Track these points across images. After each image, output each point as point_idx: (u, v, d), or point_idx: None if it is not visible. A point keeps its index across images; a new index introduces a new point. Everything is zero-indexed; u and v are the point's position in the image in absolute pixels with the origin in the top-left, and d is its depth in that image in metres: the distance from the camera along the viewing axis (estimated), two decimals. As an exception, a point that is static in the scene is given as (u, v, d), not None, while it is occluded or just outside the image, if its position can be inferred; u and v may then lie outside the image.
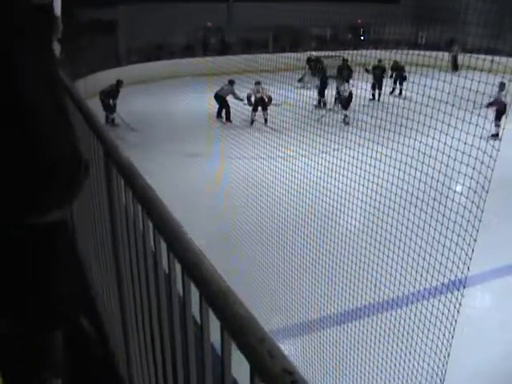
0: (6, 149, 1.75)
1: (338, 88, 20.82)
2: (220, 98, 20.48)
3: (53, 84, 1.89)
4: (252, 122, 20.05)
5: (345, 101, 19.87)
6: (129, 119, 19.58)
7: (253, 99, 20.34)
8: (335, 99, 20.19)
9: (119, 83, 19.82)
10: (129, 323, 2.34)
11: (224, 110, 20.64)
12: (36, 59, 1.79)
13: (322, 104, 22.20)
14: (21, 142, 1.76)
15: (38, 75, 1.79)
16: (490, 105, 15.65)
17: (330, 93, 20.64)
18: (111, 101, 19.55)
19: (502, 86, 16.77)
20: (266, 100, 20.10)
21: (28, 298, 1.95)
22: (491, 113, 16.24)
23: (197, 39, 34.83)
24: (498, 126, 16.77)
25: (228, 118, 20.59)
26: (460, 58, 26.35)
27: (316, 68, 26.36)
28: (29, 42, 1.76)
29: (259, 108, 20.19)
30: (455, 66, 26.71)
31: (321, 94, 22.86)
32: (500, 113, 17.35)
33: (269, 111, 19.73)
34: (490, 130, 13.39)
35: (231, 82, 20.47)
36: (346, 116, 18.99)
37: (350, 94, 19.86)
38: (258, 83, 19.84)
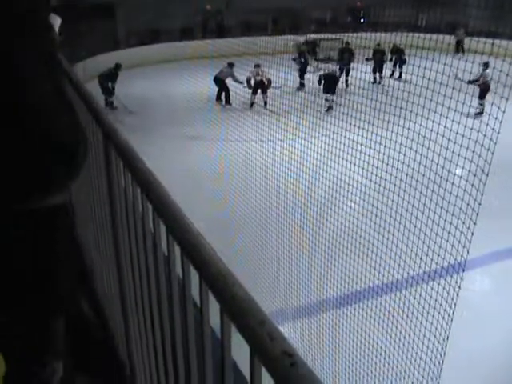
0: (5, 133, 1.75)
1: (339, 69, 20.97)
2: (219, 81, 20.42)
3: (52, 67, 1.88)
4: (252, 104, 20.03)
5: (327, 83, 19.52)
6: (127, 102, 19.57)
7: (252, 82, 20.30)
8: (318, 81, 20.05)
9: (118, 66, 19.77)
10: (128, 306, 2.34)
11: (223, 93, 20.61)
12: (35, 43, 1.78)
13: (301, 86, 22.03)
14: (20, 125, 1.76)
15: (38, 58, 1.79)
16: (471, 82, 16.02)
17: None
18: (110, 84, 19.51)
19: (485, 65, 17.34)
20: (266, 83, 20.05)
21: (28, 285, 1.96)
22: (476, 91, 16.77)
23: (196, 22, 34.69)
24: (481, 104, 17.30)
25: (228, 101, 20.56)
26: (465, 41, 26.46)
27: (313, 51, 26.36)
28: (28, 25, 1.75)
29: (259, 91, 20.15)
30: (460, 50, 26.80)
31: (301, 76, 22.77)
32: (484, 92, 17.62)
33: (268, 94, 19.71)
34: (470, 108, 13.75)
35: (231, 65, 20.41)
36: (326, 100, 18.86)
37: (332, 76, 19.62)
38: (257, 66, 19.80)
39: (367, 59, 21.88)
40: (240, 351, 1.23)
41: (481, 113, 16.53)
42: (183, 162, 13.63)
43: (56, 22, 2.82)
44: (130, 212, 2.00)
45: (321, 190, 10.62)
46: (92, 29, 24.32)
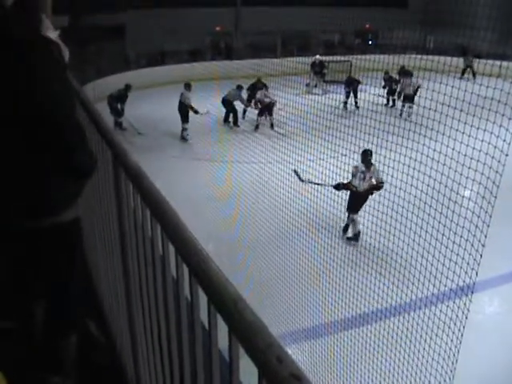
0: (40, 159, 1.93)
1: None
2: (227, 103, 20.41)
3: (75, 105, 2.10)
4: (257, 126, 20.06)
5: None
6: (136, 123, 19.61)
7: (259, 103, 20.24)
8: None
9: (128, 87, 19.77)
10: (136, 328, 2.33)
11: (231, 115, 20.58)
12: (68, 87, 2.01)
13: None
14: (51, 151, 1.94)
15: (71, 100, 2.01)
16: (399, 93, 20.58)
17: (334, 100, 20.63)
18: (119, 105, 19.50)
19: (404, 72, 21.33)
20: (272, 104, 19.93)
21: (39, 297, 2.00)
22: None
23: (205, 44, 34.88)
24: (411, 107, 19.50)
25: (235, 123, 20.53)
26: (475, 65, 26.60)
27: (321, 72, 26.43)
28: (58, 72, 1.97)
29: (266, 113, 20.10)
30: (468, 74, 26.89)
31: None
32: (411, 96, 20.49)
33: (274, 115, 19.63)
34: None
35: (239, 87, 20.41)
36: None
37: (181, 103, 19.26)
38: (261, 87, 19.94)
39: (384, 87, 22.22)
40: (248, 374, 1.22)
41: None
42: (191, 182, 13.64)
43: (65, 53, 2.91)
44: (139, 233, 2.00)
45: (329, 213, 10.62)
46: (102, 50, 24.45)
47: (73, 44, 3.33)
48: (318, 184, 10.76)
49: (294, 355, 7.12)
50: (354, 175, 10.69)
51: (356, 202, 10.66)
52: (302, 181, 11.24)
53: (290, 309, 7.92)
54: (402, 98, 21.10)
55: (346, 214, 10.91)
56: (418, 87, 19.29)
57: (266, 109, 19.96)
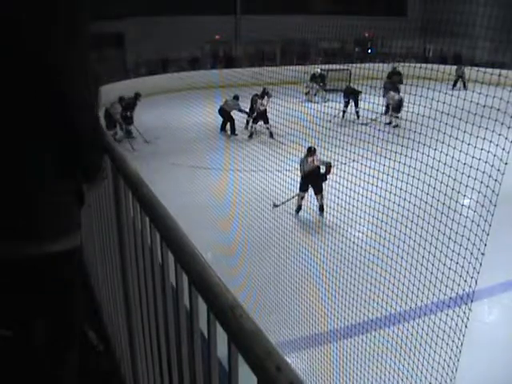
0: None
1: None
2: (224, 112, 20.33)
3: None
4: (251, 135, 20.03)
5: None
6: (142, 131, 19.60)
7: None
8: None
9: (137, 96, 19.82)
10: (136, 336, 2.33)
11: (229, 124, 20.49)
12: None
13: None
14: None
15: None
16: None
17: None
18: (128, 113, 19.50)
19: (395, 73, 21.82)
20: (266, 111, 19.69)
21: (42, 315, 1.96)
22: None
23: (204, 52, 34.92)
24: (397, 117, 19.87)
25: (233, 131, 20.45)
26: (467, 73, 26.50)
27: (323, 82, 26.44)
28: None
29: (260, 121, 19.96)
30: (461, 85, 26.86)
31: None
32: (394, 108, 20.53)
33: (271, 123, 19.38)
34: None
35: (236, 98, 20.30)
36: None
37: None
38: (262, 94, 19.84)
39: (384, 96, 22.13)
40: (247, 383, 1.22)
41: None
42: (189, 190, 13.60)
43: None
44: (138, 241, 2.00)
45: (328, 221, 10.61)
46: (101, 58, 24.42)
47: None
48: (288, 200, 12.08)
49: (294, 364, 7.11)
50: (303, 165, 12.15)
51: (303, 182, 12.05)
52: (276, 206, 12.20)
53: (290, 317, 7.91)
54: (390, 107, 20.79)
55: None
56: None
57: (261, 116, 19.81)
